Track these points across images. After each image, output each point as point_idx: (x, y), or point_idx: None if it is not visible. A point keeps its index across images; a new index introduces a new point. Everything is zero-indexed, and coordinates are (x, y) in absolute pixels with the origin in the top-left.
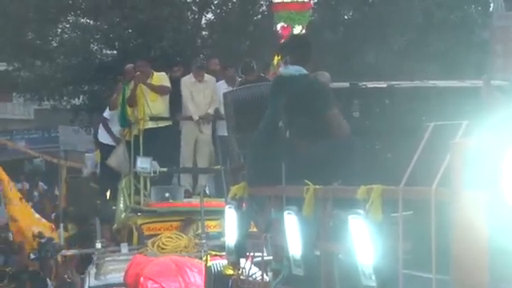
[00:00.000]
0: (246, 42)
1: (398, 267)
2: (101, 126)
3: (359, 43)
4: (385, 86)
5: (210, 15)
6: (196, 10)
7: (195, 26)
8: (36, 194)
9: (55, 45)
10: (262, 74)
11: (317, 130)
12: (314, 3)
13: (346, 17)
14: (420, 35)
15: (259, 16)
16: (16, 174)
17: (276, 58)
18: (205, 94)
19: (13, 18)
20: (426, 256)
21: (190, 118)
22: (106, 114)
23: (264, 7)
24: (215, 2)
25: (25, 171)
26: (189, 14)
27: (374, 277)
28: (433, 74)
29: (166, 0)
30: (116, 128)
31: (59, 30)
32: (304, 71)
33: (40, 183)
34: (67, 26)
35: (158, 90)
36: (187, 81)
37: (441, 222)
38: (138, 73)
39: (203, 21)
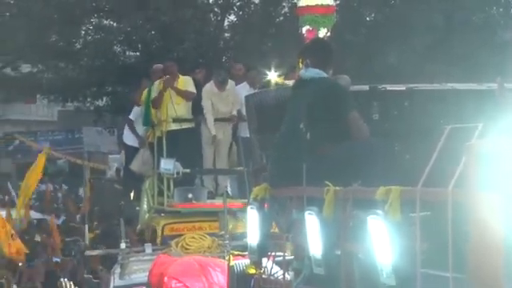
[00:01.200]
0: (268, 43)
1: (416, 266)
2: (126, 127)
3: (381, 45)
4: (404, 88)
5: (232, 17)
6: (218, 11)
7: (218, 27)
8: (60, 195)
9: (79, 47)
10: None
11: (337, 132)
12: (337, 5)
13: (367, 18)
14: (441, 37)
15: (281, 18)
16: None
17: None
18: (226, 100)
19: (37, 21)
20: (443, 255)
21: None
22: (132, 115)
23: (286, 9)
24: (237, 4)
25: (49, 172)
26: (211, 15)
27: (392, 276)
28: (454, 76)
29: (188, 2)
30: (140, 129)
31: (83, 32)
32: (324, 74)
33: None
34: (91, 28)
35: (185, 95)
36: (208, 90)
37: (457, 222)
38: (168, 76)
39: (225, 23)
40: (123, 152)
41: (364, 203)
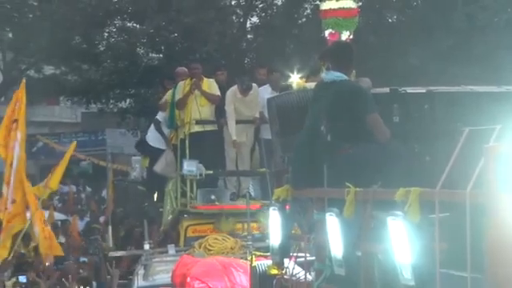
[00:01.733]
0: (291, 45)
1: (436, 266)
2: (152, 128)
3: (403, 46)
4: (424, 91)
5: (254, 18)
6: (241, 13)
7: (240, 29)
8: (83, 196)
9: (102, 49)
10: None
11: (357, 133)
12: (359, 7)
13: (390, 20)
14: (463, 38)
15: (304, 19)
16: (63, 177)
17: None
18: (250, 104)
19: (60, 23)
20: (461, 255)
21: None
22: (159, 116)
23: (309, 10)
24: (260, 6)
25: (72, 174)
26: (234, 17)
27: (412, 276)
28: (476, 78)
29: (211, 4)
30: (167, 131)
31: (106, 34)
32: (345, 77)
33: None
34: (114, 30)
35: (210, 97)
36: (232, 95)
37: (475, 223)
38: (195, 79)
39: (248, 24)
40: (143, 157)
41: (384, 204)
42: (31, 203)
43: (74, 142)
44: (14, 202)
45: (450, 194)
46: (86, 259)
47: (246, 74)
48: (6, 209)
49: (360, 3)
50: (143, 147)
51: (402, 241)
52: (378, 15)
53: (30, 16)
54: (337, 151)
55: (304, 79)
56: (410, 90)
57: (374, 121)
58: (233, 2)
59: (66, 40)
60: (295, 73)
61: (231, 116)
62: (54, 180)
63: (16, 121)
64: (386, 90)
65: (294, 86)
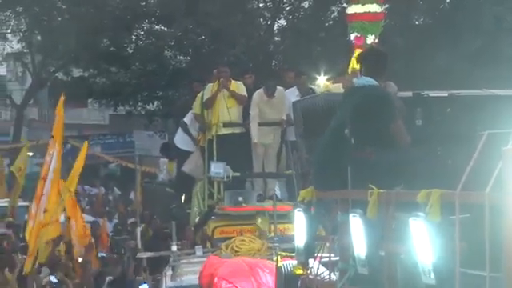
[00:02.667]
0: (318, 47)
1: (456, 266)
2: (179, 130)
3: (430, 49)
4: (446, 94)
5: (282, 21)
6: (268, 16)
7: (267, 32)
8: (111, 198)
9: (130, 51)
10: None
11: (380, 138)
12: (386, 9)
13: (416, 22)
14: (490, 40)
15: (331, 22)
16: (92, 179)
17: (353, 66)
18: (276, 107)
19: (88, 26)
20: (481, 255)
21: (259, 125)
22: (186, 118)
23: (335, 13)
24: (287, 9)
25: (100, 176)
26: (261, 20)
27: (433, 275)
28: (504, 80)
29: (238, 7)
30: (194, 133)
31: (134, 37)
32: (374, 82)
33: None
34: (142, 33)
35: (238, 98)
36: (258, 98)
37: (494, 224)
38: (222, 79)
39: (275, 27)
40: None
41: (406, 205)
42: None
43: (86, 142)
44: (45, 211)
45: (470, 196)
46: (104, 254)
47: (273, 76)
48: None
49: (387, 5)
50: (168, 151)
51: (423, 241)
52: (405, 18)
53: (59, 19)
54: (360, 154)
55: (330, 81)
56: (432, 93)
57: (397, 128)
58: (260, 5)
59: (95, 43)
60: (322, 75)
61: (254, 119)
62: (72, 182)
63: (52, 137)
64: (409, 93)
65: (320, 87)
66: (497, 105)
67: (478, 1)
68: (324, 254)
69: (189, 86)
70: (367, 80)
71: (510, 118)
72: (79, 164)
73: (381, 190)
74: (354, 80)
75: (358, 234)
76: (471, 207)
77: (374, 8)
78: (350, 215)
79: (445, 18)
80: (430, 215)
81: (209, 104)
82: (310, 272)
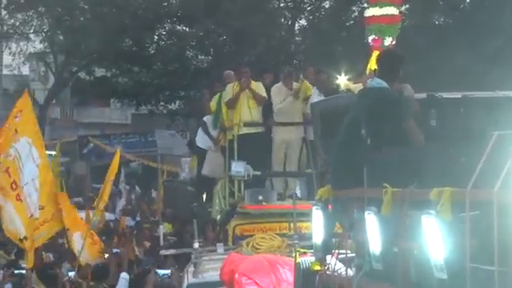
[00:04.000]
0: (339, 47)
1: (466, 261)
2: (200, 130)
3: (450, 48)
4: (459, 96)
5: (302, 21)
6: (289, 16)
7: (288, 31)
8: (133, 197)
9: (152, 52)
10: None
11: (394, 138)
12: (406, 9)
13: (436, 22)
14: (511, 40)
15: (351, 22)
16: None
17: (371, 67)
18: (295, 101)
19: (111, 26)
20: (490, 251)
21: (282, 124)
22: (206, 118)
23: (356, 13)
24: (308, 9)
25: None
26: (282, 20)
27: (444, 270)
28: None
29: (259, 7)
30: (214, 132)
31: (156, 38)
32: (385, 85)
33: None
34: (163, 33)
35: (259, 98)
36: (277, 90)
37: (503, 221)
38: (244, 79)
39: (296, 26)
40: (194, 157)
41: (419, 203)
42: (71, 223)
43: (118, 150)
44: (42, 208)
45: (479, 194)
46: (118, 250)
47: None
48: (31, 215)
49: (407, 5)
50: (193, 148)
51: (435, 237)
52: (425, 17)
53: (81, 19)
54: (376, 154)
55: (352, 81)
56: (446, 95)
57: (409, 127)
58: (281, 5)
59: (117, 43)
60: (342, 74)
61: (280, 110)
62: (103, 200)
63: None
64: (424, 95)
65: (341, 87)
66: (508, 106)
67: (498, 1)
68: (341, 251)
69: (210, 87)
70: (378, 82)
71: None
72: (112, 171)
73: (395, 189)
74: (369, 81)
75: (373, 230)
76: (481, 205)
77: (392, 10)
78: (366, 213)
79: (465, 17)
80: (441, 213)
81: (231, 104)
82: (328, 268)
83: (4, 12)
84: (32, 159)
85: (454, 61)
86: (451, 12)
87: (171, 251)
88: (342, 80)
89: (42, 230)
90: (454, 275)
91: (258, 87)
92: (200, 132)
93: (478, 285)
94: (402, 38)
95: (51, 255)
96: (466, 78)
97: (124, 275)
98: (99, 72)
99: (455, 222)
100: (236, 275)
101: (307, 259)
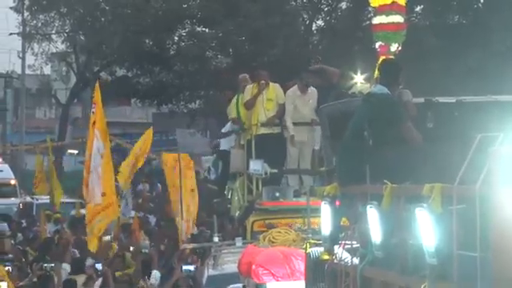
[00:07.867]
0: (355, 47)
1: (454, 248)
2: (222, 140)
3: (462, 48)
4: (454, 100)
5: (319, 22)
6: (307, 16)
7: (306, 32)
8: (154, 194)
9: (172, 52)
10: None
11: (394, 139)
12: (421, 9)
13: (450, 22)
14: None
15: (368, 22)
16: (136, 176)
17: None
18: (309, 104)
19: (131, 27)
20: (473, 239)
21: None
22: (224, 129)
23: (372, 14)
24: (325, 10)
25: (145, 172)
26: (300, 20)
27: (435, 256)
28: None
29: (277, 8)
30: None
31: (176, 39)
32: (385, 90)
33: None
34: (184, 34)
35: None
36: (292, 94)
37: (484, 213)
38: (262, 82)
39: (313, 27)
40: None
41: (415, 198)
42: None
43: (151, 129)
44: (103, 195)
45: (463, 189)
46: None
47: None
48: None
49: (422, 6)
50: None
51: (427, 228)
52: (439, 17)
53: (103, 20)
54: (377, 153)
55: (366, 81)
56: (441, 99)
57: (406, 129)
58: (299, 6)
59: (138, 43)
60: (358, 74)
61: (289, 114)
62: (123, 177)
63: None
64: (421, 99)
65: (358, 87)
66: (498, 110)
67: (511, 1)
68: (347, 242)
69: (230, 87)
70: (379, 88)
71: (509, 121)
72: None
73: (393, 185)
74: (371, 87)
75: (374, 223)
76: (467, 199)
77: (398, 18)
78: (367, 206)
79: (478, 17)
80: (432, 206)
81: (249, 106)
82: (335, 257)
83: (27, 13)
84: (97, 150)
85: (467, 60)
86: (465, 12)
87: (192, 245)
88: (359, 79)
89: (102, 215)
90: (444, 261)
91: (276, 89)
92: (222, 140)
93: (464, 269)
94: (416, 39)
95: (77, 251)
96: (478, 77)
97: (155, 273)
98: (120, 72)
99: (445, 214)
100: (253, 266)
101: (317, 250)
